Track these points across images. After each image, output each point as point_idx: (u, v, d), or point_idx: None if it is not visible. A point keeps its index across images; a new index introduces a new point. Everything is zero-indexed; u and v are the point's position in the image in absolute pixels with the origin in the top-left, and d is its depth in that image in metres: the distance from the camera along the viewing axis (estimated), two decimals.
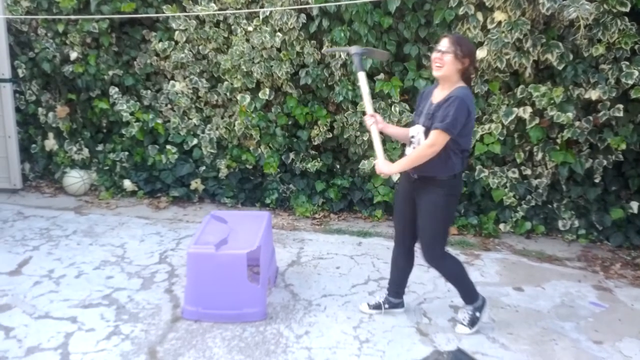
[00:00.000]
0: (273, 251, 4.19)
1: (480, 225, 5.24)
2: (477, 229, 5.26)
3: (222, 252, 3.48)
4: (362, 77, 3.55)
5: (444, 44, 3.16)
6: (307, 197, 5.66)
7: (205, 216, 4.16)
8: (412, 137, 3.32)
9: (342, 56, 5.09)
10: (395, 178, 5.05)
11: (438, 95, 3.23)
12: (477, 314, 3.52)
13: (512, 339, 3.46)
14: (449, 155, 3.19)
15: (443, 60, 3.14)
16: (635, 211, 4.94)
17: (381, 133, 3.49)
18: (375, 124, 3.43)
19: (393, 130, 3.62)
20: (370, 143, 5.33)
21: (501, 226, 5.29)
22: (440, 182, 3.24)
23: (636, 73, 4.47)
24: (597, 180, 4.97)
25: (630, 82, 4.51)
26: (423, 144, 3.17)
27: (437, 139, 3.10)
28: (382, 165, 3.32)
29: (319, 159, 5.59)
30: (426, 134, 3.19)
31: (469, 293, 3.53)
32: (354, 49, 3.68)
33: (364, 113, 5.16)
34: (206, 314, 3.53)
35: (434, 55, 3.19)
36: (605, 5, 4.41)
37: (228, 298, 3.52)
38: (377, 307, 3.71)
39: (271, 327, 3.48)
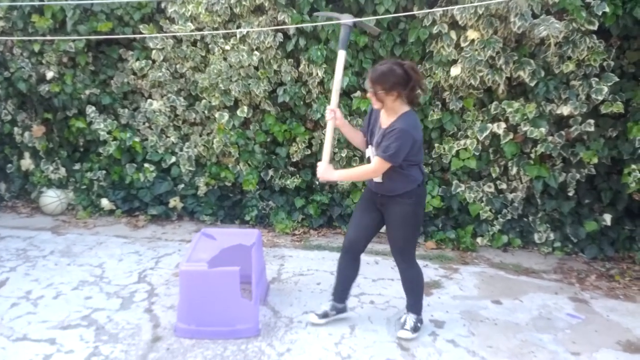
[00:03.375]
0: (264, 268, 4.21)
1: (458, 239, 5.30)
2: (455, 243, 5.32)
3: (214, 269, 3.50)
4: (341, 57, 3.50)
5: (367, 83, 3.28)
6: (286, 213, 5.68)
7: (195, 234, 4.15)
8: (368, 157, 3.47)
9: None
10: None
11: (385, 120, 3.35)
12: (419, 324, 3.69)
13: (492, 352, 3.51)
14: (407, 172, 3.34)
15: (373, 98, 3.28)
16: (609, 223, 5.05)
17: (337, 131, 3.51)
18: (333, 119, 3.48)
19: (349, 130, 3.64)
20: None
21: (478, 240, 5.36)
22: (406, 194, 3.38)
23: (605, 89, 4.60)
24: (570, 194, 5.07)
25: (600, 97, 4.63)
26: (367, 166, 3.37)
27: (379, 166, 3.29)
28: (324, 170, 3.44)
29: (297, 176, 5.62)
30: None
31: (418, 304, 3.70)
32: (344, 17, 3.60)
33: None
34: (199, 331, 3.52)
35: (371, 93, 3.30)
36: (574, 24, 4.54)
37: (221, 315, 3.53)
38: (325, 315, 3.78)
39: (253, 345, 3.48)
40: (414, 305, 3.69)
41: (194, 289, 3.51)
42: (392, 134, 3.21)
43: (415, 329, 3.64)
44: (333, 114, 3.47)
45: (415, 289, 3.66)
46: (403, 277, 3.65)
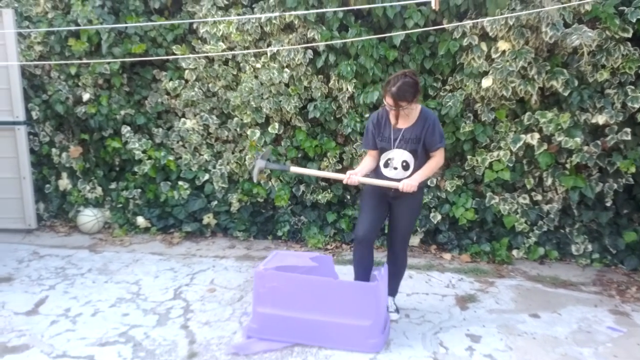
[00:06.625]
0: None
1: (493, 252, 5.23)
2: (490, 256, 5.25)
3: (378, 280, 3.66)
4: (297, 170, 4.04)
5: (387, 101, 3.49)
6: (318, 228, 5.68)
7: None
8: (389, 159, 3.67)
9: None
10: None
11: (402, 120, 3.60)
12: None
13: None
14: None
15: (399, 111, 3.50)
16: None
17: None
18: (357, 175, 3.64)
19: (366, 170, 3.75)
20: None
21: (514, 252, 5.28)
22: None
23: None
24: (608, 204, 4.97)
25: (636, 105, 4.55)
26: (434, 160, 3.66)
27: (443, 155, 3.71)
28: (409, 185, 3.55)
29: (329, 190, 5.63)
30: (414, 154, 3.62)
31: (398, 286, 4.11)
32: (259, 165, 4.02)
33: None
34: (383, 340, 3.66)
35: (397, 111, 3.51)
36: (607, 32, 4.48)
37: (386, 320, 3.76)
38: None
39: None
40: (396, 288, 4.09)
41: (381, 301, 3.63)
42: (430, 123, 3.57)
43: (397, 309, 4.06)
44: (352, 175, 3.64)
45: (402, 274, 4.05)
46: (398, 264, 3.95)
